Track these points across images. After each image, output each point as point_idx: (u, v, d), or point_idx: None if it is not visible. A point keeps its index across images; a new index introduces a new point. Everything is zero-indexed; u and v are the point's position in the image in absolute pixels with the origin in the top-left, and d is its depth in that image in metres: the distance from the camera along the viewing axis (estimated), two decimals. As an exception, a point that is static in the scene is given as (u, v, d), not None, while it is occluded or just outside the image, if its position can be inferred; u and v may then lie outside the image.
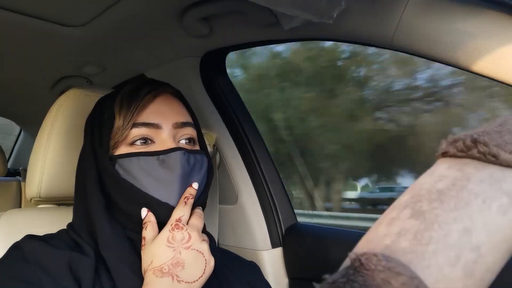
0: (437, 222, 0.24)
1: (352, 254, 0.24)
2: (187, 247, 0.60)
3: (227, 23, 0.95)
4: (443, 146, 0.28)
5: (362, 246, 0.26)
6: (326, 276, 0.24)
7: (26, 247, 0.62)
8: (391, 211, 0.27)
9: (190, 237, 0.61)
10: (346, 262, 0.24)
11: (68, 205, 0.87)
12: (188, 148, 0.68)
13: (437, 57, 0.68)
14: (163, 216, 0.63)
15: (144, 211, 0.63)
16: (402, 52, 0.73)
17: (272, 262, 1.12)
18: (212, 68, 1.17)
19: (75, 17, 0.91)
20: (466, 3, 0.63)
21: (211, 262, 0.61)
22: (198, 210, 0.67)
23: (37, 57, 1.14)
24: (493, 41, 0.60)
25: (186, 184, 0.65)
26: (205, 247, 0.61)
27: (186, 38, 1.02)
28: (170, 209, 0.63)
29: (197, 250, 0.61)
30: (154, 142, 0.67)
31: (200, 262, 0.60)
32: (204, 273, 0.60)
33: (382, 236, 0.25)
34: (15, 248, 0.63)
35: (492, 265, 0.24)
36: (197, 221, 0.65)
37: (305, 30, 0.84)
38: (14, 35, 0.99)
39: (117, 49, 1.09)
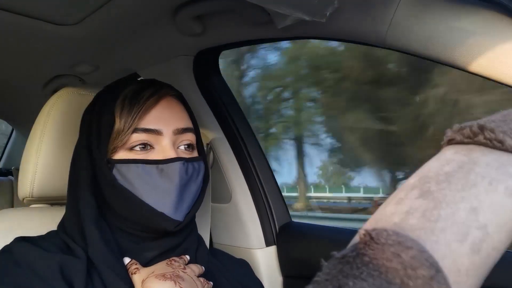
0: (445, 201, 0.25)
1: (361, 230, 0.25)
2: (184, 272, 0.63)
3: (221, 22, 0.95)
4: (449, 134, 0.29)
5: (370, 225, 0.26)
6: (334, 252, 0.24)
7: (16, 250, 0.61)
8: (399, 192, 0.27)
9: (185, 268, 0.64)
10: (355, 239, 0.25)
11: (60, 204, 0.87)
12: (187, 157, 0.68)
13: (431, 56, 0.68)
14: (157, 225, 0.64)
15: (126, 260, 0.64)
16: (395, 51, 0.74)
17: (266, 261, 1.12)
18: (206, 67, 1.17)
19: (67, 15, 0.90)
20: (460, 2, 0.63)
21: None
22: (197, 264, 0.69)
23: (28, 56, 1.13)
24: (488, 40, 0.61)
25: (182, 194, 0.66)
26: (199, 283, 0.63)
27: (179, 37, 1.01)
28: (165, 218, 0.63)
29: (193, 279, 0.63)
30: (153, 148, 0.66)
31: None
32: None
33: (390, 214, 0.26)
34: (6, 252, 0.62)
35: (498, 244, 0.25)
36: (195, 266, 0.67)
37: (298, 28, 0.84)
38: (5, 34, 0.98)
39: (110, 47, 1.08)
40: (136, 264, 0.63)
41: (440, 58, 0.67)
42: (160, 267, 0.62)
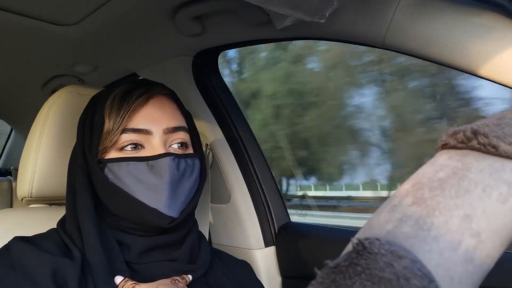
0: (438, 208, 0.25)
1: (354, 239, 0.24)
2: None
3: (220, 22, 0.95)
4: (443, 138, 0.29)
5: (364, 232, 0.26)
6: (328, 261, 0.24)
7: (14, 251, 0.61)
8: (392, 199, 0.27)
9: None
10: (348, 248, 0.25)
11: (59, 204, 0.86)
12: (179, 153, 0.68)
13: (430, 57, 0.68)
14: (151, 222, 0.63)
15: (118, 279, 0.61)
16: (394, 51, 0.74)
17: (265, 261, 1.12)
18: (205, 67, 1.17)
19: (67, 15, 0.90)
20: (459, 4, 0.63)
21: None
22: None
23: (28, 55, 1.13)
24: (487, 41, 0.61)
25: (175, 190, 0.65)
26: None
27: (178, 37, 1.01)
28: (158, 215, 0.63)
29: None
30: (144, 147, 0.66)
31: None
32: None
33: (384, 222, 0.26)
34: (4, 252, 0.62)
35: (491, 251, 0.25)
36: None
37: (297, 29, 0.84)
38: (4, 34, 0.98)
39: (109, 48, 1.08)
40: (130, 281, 0.61)
41: (439, 59, 0.67)
42: (164, 282, 0.61)
